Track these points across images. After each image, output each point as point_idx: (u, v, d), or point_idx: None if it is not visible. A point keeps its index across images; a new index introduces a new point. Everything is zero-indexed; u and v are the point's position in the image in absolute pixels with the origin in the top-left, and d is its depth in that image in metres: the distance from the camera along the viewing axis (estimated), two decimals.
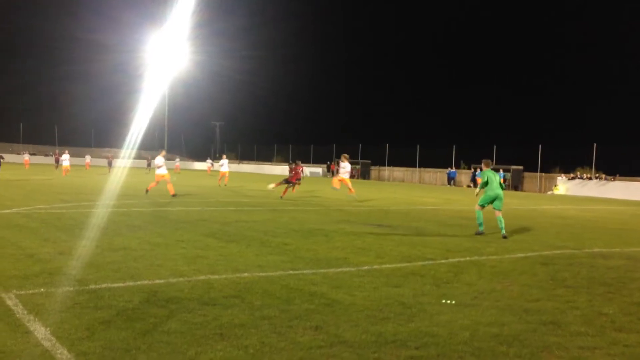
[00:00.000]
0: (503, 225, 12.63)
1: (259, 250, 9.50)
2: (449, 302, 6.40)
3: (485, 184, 12.93)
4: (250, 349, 4.63)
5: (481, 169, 13.86)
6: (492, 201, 12.83)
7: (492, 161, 50.75)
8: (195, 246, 9.59)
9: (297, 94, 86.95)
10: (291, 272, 7.73)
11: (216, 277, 7.22)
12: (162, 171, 21.75)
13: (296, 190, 25.21)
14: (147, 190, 21.85)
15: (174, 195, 20.84)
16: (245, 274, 7.43)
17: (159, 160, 22.15)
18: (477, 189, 13.57)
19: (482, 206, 12.95)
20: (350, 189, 23.17)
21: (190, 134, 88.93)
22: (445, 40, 76.48)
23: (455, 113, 71.64)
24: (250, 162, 76.96)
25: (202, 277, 7.15)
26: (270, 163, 73.70)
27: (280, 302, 6.07)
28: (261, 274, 7.53)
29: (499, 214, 12.71)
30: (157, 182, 21.88)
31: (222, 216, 14.77)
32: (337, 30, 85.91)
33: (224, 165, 32.42)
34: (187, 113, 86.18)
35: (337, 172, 25.87)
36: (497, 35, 73.56)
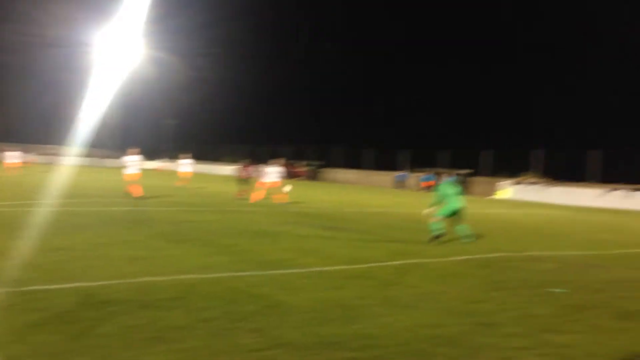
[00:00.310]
0: (467, 232, 12.43)
1: (205, 251, 9.45)
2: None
3: (441, 199, 12.33)
4: (190, 352, 4.62)
5: (437, 175, 13.70)
6: (452, 214, 12.33)
7: (452, 168, 51.80)
8: (140, 247, 9.46)
9: (255, 92, 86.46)
10: (236, 273, 7.73)
11: (159, 278, 7.15)
12: (134, 170, 20.44)
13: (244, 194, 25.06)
14: (129, 193, 20.15)
15: (137, 198, 19.55)
16: (189, 276, 7.39)
17: (132, 158, 20.65)
18: (429, 208, 12.53)
19: (441, 218, 12.23)
20: (252, 195, 22.13)
21: (142, 132, 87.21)
22: (399, 40, 77.56)
23: (406, 117, 72.70)
24: (205, 161, 76.08)
25: (144, 279, 7.06)
26: (225, 163, 73.04)
27: (223, 304, 6.07)
28: (205, 275, 7.50)
29: (458, 225, 12.48)
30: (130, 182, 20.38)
31: (171, 217, 14.59)
32: (295, 28, 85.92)
33: (187, 165, 30.27)
34: (140, 111, 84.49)
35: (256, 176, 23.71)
36: (440, 34, 75.00)
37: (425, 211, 12.90)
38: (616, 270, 9.95)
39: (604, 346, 5.33)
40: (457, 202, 12.41)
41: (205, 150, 73.35)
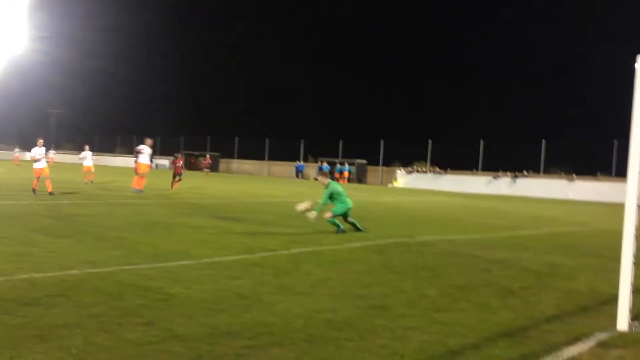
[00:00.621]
0: (358, 224, 12.36)
1: (92, 245, 8.99)
2: None
3: (331, 197, 12.17)
4: (73, 349, 4.35)
5: (324, 171, 13.22)
6: (345, 212, 12.22)
7: (338, 155, 52.70)
8: (20, 242, 8.83)
9: (144, 83, 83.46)
10: (126, 267, 7.40)
11: (41, 275, 6.70)
12: (42, 164, 18.32)
13: (177, 185, 24.52)
14: (34, 190, 17.87)
15: (50, 194, 17.63)
16: (75, 271, 6.98)
17: (39, 150, 18.54)
18: (321, 203, 12.17)
19: (335, 216, 12.10)
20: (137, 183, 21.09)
21: (24, 122, 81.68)
22: (300, 32, 77.85)
23: (303, 107, 73.21)
24: (98, 153, 72.59)
25: (24, 276, 6.58)
26: (112, 154, 70.12)
27: (110, 299, 5.78)
28: (92, 270, 7.12)
29: (350, 219, 12.41)
30: (38, 178, 18.22)
31: (54, 210, 13.77)
32: (192, 20, 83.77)
33: (87, 158, 27.33)
34: (21, 99, 79.11)
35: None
36: (346, 29, 76.25)
37: (301, 206, 12.45)
38: (501, 251, 10.54)
39: (489, 322, 5.60)
40: (348, 200, 12.22)
41: (95, 141, 69.82)
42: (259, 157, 59.00)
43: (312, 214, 11.99)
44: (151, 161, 22.85)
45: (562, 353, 4.75)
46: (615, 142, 38.83)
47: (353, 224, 12.37)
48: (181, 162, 25.74)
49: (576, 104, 59.44)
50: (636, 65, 5.59)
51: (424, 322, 5.48)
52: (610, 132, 39.69)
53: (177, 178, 24.52)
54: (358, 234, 12.00)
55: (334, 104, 73.53)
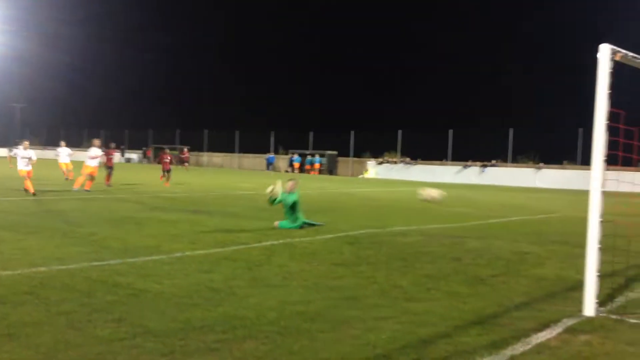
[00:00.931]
0: (310, 221, 11.91)
1: (61, 241, 8.84)
2: None
3: (293, 205, 11.54)
4: (43, 347, 4.28)
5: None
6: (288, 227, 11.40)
7: (309, 147, 52.67)
8: None
9: (111, 75, 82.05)
10: (95, 263, 7.30)
11: (8, 272, 6.57)
12: (26, 167, 17.25)
13: (170, 182, 24.07)
14: (26, 190, 16.86)
15: (33, 194, 16.49)
16: (42, 268, 6.86)
17: (25, 153, 17.51)
18: (285, 195, 11.58)
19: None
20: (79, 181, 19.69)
21: None
22: (273, 24, 77.34)
23: (274, 99, 72.89)
24: (57, 147, 71.20)
25: None
26: (80, 149, 68.83)
27: (80, 296, 5.70)
28: (61, 267, 7.01)
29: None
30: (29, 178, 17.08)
31: (22, 206, 13.50)
32: (157, 11, 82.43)
33: (62, 154, 26.08)
34: None
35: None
36: (317, 18, 76.05)
37: (269, 189, 11.93)
38: (471, 240, 10.68)
39: (458, 310, 5.68)
40: (300, 221, 11.53)
41: (56, 135, 68.15)
42: (229, 149, 58.61)
43: (277, 187, 11.69)
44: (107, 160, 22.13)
45: (531, 339, 4.85)
46: (580, 131, 39.56)
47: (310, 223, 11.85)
48: (170, 157, 25.18)
49: (543, 93, 60.40)
50: (598, 55, 5.70)
51: (395, 312, 5.53)
52: (576, 121, 40.36)
53: (166, 174, 24.13)
54: (331, 225, 12.03)
55: (304, 95, 73.40)
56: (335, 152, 51.71)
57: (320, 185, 29.84)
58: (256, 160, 56.01)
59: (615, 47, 5.71)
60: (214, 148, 60.50)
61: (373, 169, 47.98)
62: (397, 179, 43.06)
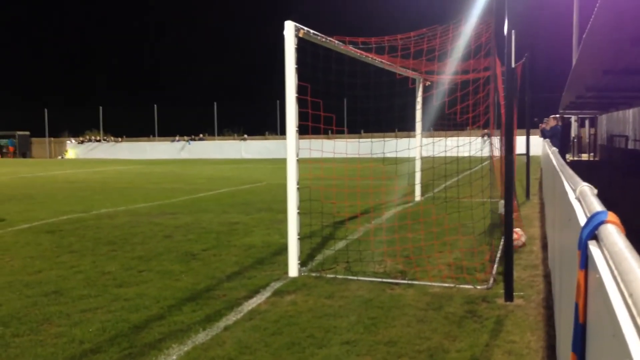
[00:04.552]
0: None
1: None
2: None
3: None
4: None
5: None
6: None
7: (11, 130, 46.50)
8: None
9: None
10: None
11: None
12: None
13: None
14: None
15: None
16: None
17: None
18: None
19: None
20: None
21: None
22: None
23: None
24: None
25: None
26: None
27: None
28: None
29: None
30: None
31: None
32: None
33: None
34: None
35: None
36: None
37: None
38: (182, 216, 10.62)
39: (171, 289, 5.58)
40: None
41: None
42: None
43: None
44: None
45: (243, 307, 5.01)
46: (278, 102, 42.43)
47: None
48: None
49: (245, 70, 63.25)
50: (284, 32, 6.06)
51: (105, 301, 5.18)
52: (275, 93, 43.19)
53: None
54: (22, 214, 10.79)
55: None
56: (27, 132, 46.69)
57: (12, 170, 26.67)
58: None
59: (298, 25, 6.12)
60: None
61: (73, 149, 44.73)
62: (102, 159, 40.88)
